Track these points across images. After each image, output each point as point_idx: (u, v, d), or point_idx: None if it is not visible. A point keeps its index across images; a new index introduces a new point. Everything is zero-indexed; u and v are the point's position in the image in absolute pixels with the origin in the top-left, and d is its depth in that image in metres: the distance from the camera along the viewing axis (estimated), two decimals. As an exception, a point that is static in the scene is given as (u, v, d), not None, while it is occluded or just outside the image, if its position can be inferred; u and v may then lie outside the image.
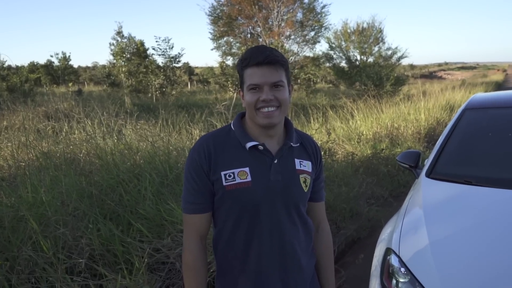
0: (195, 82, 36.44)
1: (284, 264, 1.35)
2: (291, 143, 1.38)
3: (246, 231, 1.32)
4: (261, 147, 1.33)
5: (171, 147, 4.96)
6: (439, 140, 3.07)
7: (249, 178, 1.30)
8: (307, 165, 1.41)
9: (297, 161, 1.38)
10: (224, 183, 1.30)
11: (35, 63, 34.08)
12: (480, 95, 3.71)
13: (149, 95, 17.76)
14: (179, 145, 5.17)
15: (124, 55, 18.13)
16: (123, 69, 17.91)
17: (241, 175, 1.30)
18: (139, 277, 2.48)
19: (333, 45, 22.47)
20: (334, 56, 22.69)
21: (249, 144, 1.33)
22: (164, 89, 17.58)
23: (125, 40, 18.25)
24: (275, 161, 1.34)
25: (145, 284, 2.42)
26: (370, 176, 5.34)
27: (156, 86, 17.32)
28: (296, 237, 1.37)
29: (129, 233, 2.96)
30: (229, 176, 1.30)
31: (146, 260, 2.53)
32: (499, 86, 27.41)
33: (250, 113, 1.32)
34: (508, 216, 2.10)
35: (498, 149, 2.86)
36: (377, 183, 5.22)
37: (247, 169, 1.31)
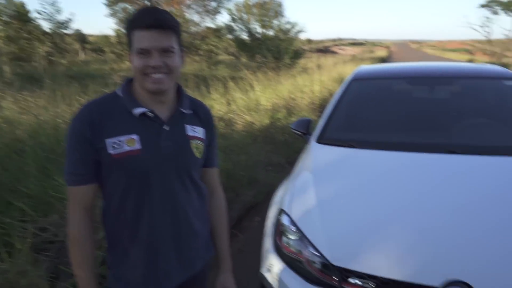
0: (89, 51, 33.76)
1: (178, 231, 1.33)
2: (183, 110, 1.34)
3: (136, 201, 1.27)
4: (150, 114, 1.27)
5: (59, 120, 4.57)
6: (327, 108, 3.27)
7: (138, 146, 1.24)
8: (199, 132, 1.38)
9: (188, 127, 1.35)
10: (111, 152, 1.22)
11: None
12: (365, 67, 4.02)
13: (35, 63, 16.04)
14: (69, 118, 4.78)
15: (2, 18, 16.02)
16: (1, 34, 15.85)
17: (129, 143, 1.23)
18: (23, 259, 2.28)
19: (235, 17, 22.43)
20: (236, 28, 22.72)
21: (137, 110, 1.25)
22: (52, 58, 16.00)
23: (3, 1, 16.11)
24: (166, 128, 1.29)
25: (29, 265, 2.23)
26: (268, 144, 5.54)
27: (43, 54, 15.68)
28: (190, 204, 1.36)
29: (10, 214, 2.69)
30: (116, 144, 1.22)
31: (29, 240, 2.33)
32: (383, 61, 30.04)
33: (138, 78, 1.25)
34: (386, 174, 2.34)
35: (380, 116, 3.15)
36: (275, 151, 5.43)
37: (135, 137, 1.24)
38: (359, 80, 3.51)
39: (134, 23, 1.21)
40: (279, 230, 2.12)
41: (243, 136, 5.42)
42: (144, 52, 1.20)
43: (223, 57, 29.91)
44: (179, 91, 1.38)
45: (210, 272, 1.58)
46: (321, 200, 2.14)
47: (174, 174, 1.30)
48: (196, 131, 1.37)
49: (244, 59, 23.95)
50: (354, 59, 21.48)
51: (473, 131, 2.84)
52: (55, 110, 4.95)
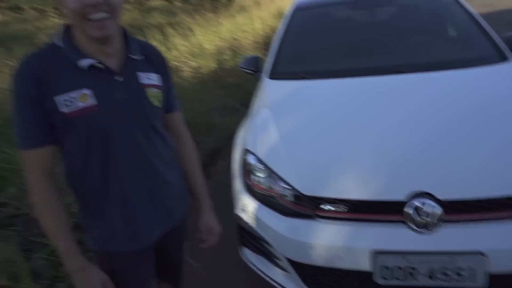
0: (5, 10, 30.54)
1: (150, 183, 1.30)
2: (133, 56, 1.25)
3: (100, 159, 1.20)
4: (100, 65, 1.16)
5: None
6: (274, 42, 3.24)
7: (93, 101, 1.15)
8: (154, 78, 1.30)
9: (142, 75, 1.27)
10: (65, 110, 1.12)
11: None
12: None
13: None
14: (1, 86, 4.41)
15: None
16: None
17: (82, 99, 1.14)
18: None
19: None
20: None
21: (84, 62, 1.14)
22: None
23: None
24: (119, 79, 1.20)
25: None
26: (220, 89, 5.46)
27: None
28: (157, 154, 1.31)
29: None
30: (68, 101, 1.12)
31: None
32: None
33: (78, 24, 1.11)
34: (341, 101, 2.41)
35: (326, 44, 3.17)
36: (227, 94, 5.38)
37: (88, 91, 1.15)
38: (300, 11, 3.49)
39: None
40: (247, 170, 2.16)
41: (193, 83, 5.29)
42: None
43: (155, 2, 28.21)
44: (126, 36, 1.27)
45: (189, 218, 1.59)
46: (283, 135, 2.18)
47: (135, 126, 1.23)
48: (151, 78, 1.29)
49: (178, 4, 22.74)
50: (291, -9, 21.00)
51: (416, 50, 2.95)
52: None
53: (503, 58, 2.61)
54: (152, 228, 1.34)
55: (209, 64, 6.31)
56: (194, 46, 7.43)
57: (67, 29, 1.19)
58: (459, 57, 2.77)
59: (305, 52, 3.13)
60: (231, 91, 5.55)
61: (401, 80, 2.53)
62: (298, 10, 3.45)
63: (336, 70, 2.77)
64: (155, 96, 1.29)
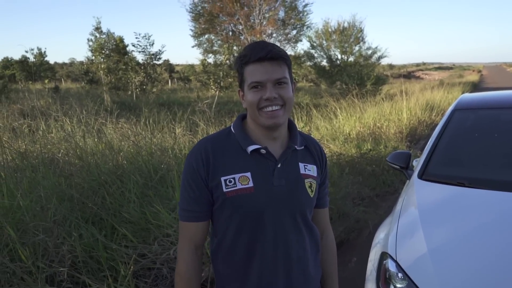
0: (175, 79, 36.03)
1: (290, 275, 1.27)
2: (295, 146, 1.30)
3: (248, 241, 1.24)
4: (263, 151, 1.24)
5: (154, 147, 4.83)
6: (429, 141, 3.05)
7: (251, 184, 1.22)
8: (312, 169, 1.33)
9: (301, 165, 1.31)
10: (225, 189, 1.21)
11: (9, 59, 32.99)
12: (469, 95, 3.72)
13: (129, 92, 17.41)
14: (162, 145, 5.04)
15: (103, 52, 17.72)
16: (102, 66, 17.49)
17: (242, 181, 1.22)
18: (125, 285, 2.36)
19: (315, 44, 22.61)
20: (315, 55, 22.86)
21: (250, 148, 1.24)
22: (144, 87, 17.26)
23: (104, 36, 17.83)
24: (279, 165, 1.25)
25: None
26: (356, 176, 5.32)
27: (136, 83, 17.00)
28: (303, 246, 1.30)
29: (113, 238, 2.84)
30: (230, 181, 1.22)
31: (132, 267, 2.41)
32: (475, 86, 28.05)
33: (253, 114, 1.23)
34: (506, 219, 2.08)
35: (488, 150, 2.86)
36: (363, 183, 5.20)
37: (248, 174, 1.23)
38: (462, 110, 3.24)
39: (245, 58, 1.21)
40: (384, 276, 1.96)
41: (330, 167, 5.27)
42: (258, 86, 1.20)
43: (302, 84, 30.12)
44: (291, 127, 1.34)
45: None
46: (433, 246, 1.95)
47: (287, 213, 1.26)
48: (309, 169, 1.32)
49: (323, 86, 23.86)
50: (442, 84, 20.29)
51: None
52: (149, 136, 5.24)
53: None
54: None
55: (349, 150, 6.27)
56: (336, 130, 7.54)
57: (242, 118, 1.33)
58: None
59: (463, 156, 2.86)
60: (367, 179, 5.36)
61: None
62: (458, 110, 3.23)
63: (499, 181, 2.44)
64: (310, 187, 1.30)
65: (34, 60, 31.96)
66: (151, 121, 6.11)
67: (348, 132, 7.40)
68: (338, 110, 9.02)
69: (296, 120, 7.77)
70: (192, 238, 1.27)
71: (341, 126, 7.96)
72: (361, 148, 6.40)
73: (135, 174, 3.70)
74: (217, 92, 16.46)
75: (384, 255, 2.07)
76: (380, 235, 2.39)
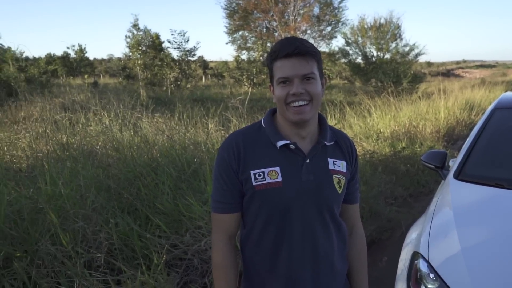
0: (209, 76, 36.46)
1: (317, 269, 1.29)
2: (325, 142, 1.31)
3: (275, 234, 1.26)
4: (292, 146, 1.26)
5: (187, 141, 4.93)
6: (467, 140, 2.96)
7: (279, 178, 1.24)
8: (341, 165, 1.33)
9: (330, 160, 1.31)
10: (254, 183, 1.24)
11: (52, 55, 34.40)
12: (511, 94, 3.58)
13: (164, 88, 17.78)
14: (195, 139, 5.13)
15: (140, 48, 18.16)
16: (139, 62, 17.94)
17: (271, 175, 1.24)
18: (158, 273, 2.44)
19: (350, 41, 22.26)
20: (350, 52, 22.50)
21: (280, 143, 1.26)
22: (179, 83, 17.59)
23: (141, 33, 18.27)
24: (307, 161, 1.27)
25: (165, 281, 2.38)
26: (389, 175, 5.23)
27: (171, 79, 17.33)
28: (330, 241, 1.31)
29: (147, 228, 2.93)
30: (259, 175, 1.24)
31: (164, 256, 2.49)
32: (519, 85, 26.83)
33: (281, 109, 1.26)
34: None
35: None
36: (396, 182, 5.11)
37: (277, 169, 1.25)
38: (503, 109, 3.12)
39: (274, 54, 1.23)
40: (415, 276, 1.94)
41: (363, 165, 5.20)
42: (285, 81, 1.21)
43: (336, 81, 29.75)
44: (321, 122, 1.35)
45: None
46: (466, 247, 1.90)
47: (315, 208, 1.27)
48: (338, 165, 1.32)
49: (358, 83, 23.47)
50: (483, 82, 19.52)
51: None
52: (183, 131, 5.36)
53: None
54: None
55: (383, 149, 6.17)
56: (370, 128, 7.43)
57: (272, 113, 1.35)
58: None
59: (503, 156, 2.76)
60: (400, 179, 5.26)
61: None
62: (499, 108, 3.11)
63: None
64: (338, 183, 1.31)
65: (75, 56, 33.23)
66: (185, 116, 6.24)
67: (381, 130, 7.27)
68: (372, 108, 8.87)
69: (328, 118, 7.71)
70: (225, 229, 1.30)
71: (375, 125, 7.83)
72: (395, 147, 6.28)
73: (169, 167, 3.80)
74: (250, 88, 16.54)
75: (415, 255, 2.04)
76: (412, 235, 2.36)
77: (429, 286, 1.84)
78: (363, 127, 7.55)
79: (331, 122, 7.31)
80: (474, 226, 2.07)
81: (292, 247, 1.26)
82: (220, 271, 1.29)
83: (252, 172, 1.24)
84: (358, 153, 5.08)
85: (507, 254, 1.83)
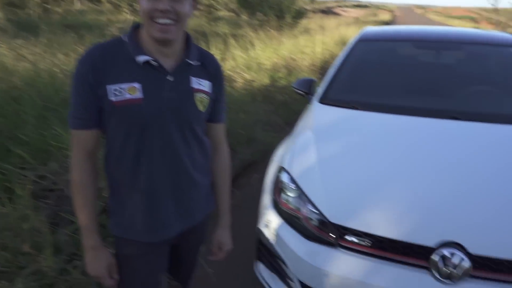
0: (84, 0, 32.65)
1: (177, 181, 1.33)
2: (190, 61, 1.30)
3: (135, 150, 1.26)
4: (154, 63, 1.23)
5: (56, 69, 4.49)
6: (331, 68, 3.23)
7: (139, 95, 1.22)
8: (205, 85, 1.35)
9: (194, 79, 1.32)
10: (112, 98, 1.20)
11: None
12: (372, 28, 3.94)
13: (29, 11, 15.51)
14: (65, 68, 4.69)
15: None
16: (-7, -22, 15.20)
17: (130, 91, 1.21)
18: (22, 205, 2.30)
19: (237, -29, 21.62)
20: (237, -17, 21.93)
21: (141, 58, 1.22)
22: (46, 6, 15.47)
23: None
24: (170, 78, 1.26)
25: (32, 212, 2.26)
26: (268, 104, 5.51)
27: (37, 1, 15.15)
28: (190, 156, 1.35)
29: (8, 160, 2.69)
30: (117, 91, 1.20)
31: (29, 186, 2.34)
32: (387, 24, 29.34)
33: (145, 23, 1.21)
34: (387, 136, 2.36)
35: (384, 78, 3.12)
36: (274, 111, 5.42)
37: (137, 85, 1.22)
38: (364, 41, 3.45)
39: None
40: (278, 187, 2.15)
41: (243, 95, 5.37)
42: None
43: (223, 13, 29.09)
44: (188, 41, 1.33)
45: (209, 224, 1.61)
46: (321, 159, 2.16)
47: (176, 126, 1.28)
48: (202, 84, 1.34)
49: (244, 17, 23.32)
50: (357, 21, 21.00)
51: (477, 98, 2.83)
52: (51, 59, 4.84)
53: None
54: (172, 224, 1.36)
55: (263, 79, 6.39)
56: (252, 60, 7.57)
57: (135, 28, 1.29)
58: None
59: (361, 83, 3.10)
60: (278, 108, 5.58)
61: (453, 126, 2.43)
62: (362, 41, 3.42)
63: (389, 105, 2.68)
64: (201, 101, 1.33)
65: None
66: (54, 43, 5.61)
67: (263, 62, 7.48)
68: (256, 40, 9.00)
69: (213, 49, 7.63)
70: (83, 146, 1.27)
71: (257, 57, 8.00)
72: (274, 78, 6.55)
73: (34, 96, 3.45)
74: (131, 16, 15.33)
75: (280, 169, 2.24)
76: (278, 152, 2.58)
77: (289, 194, 2.06)
78: (246, 59, 7.67)
79: (215, 53, 7.26)
80: (330, 142, 2.34)
81: (152, 162, 1.28)
82: (78, 188, 1.28)
83: (109, 87, 1.20)
84: (239, 83, 5.16)
85: (356, 163, 2.12)
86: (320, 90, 3.00)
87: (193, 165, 1.36)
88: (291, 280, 1.94)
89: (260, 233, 2.13)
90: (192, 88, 1.31)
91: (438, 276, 1.62)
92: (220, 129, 1.52)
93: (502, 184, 1.89)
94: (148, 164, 1.28)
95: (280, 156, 2.43)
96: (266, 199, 2.23)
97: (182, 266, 1.59)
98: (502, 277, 1.60)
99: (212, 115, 1.43)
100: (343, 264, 1.76)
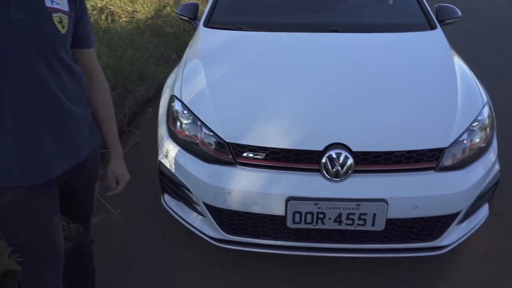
0: None
1: (51, 116, 1.21)
2: None
3: None
4: None
5: None
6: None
7: None
8: (61, 3, 1.19)
9: None
10: None
11: None
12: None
13: None
14: None
15: None
16: None
17: None
18: None
19: None
20: None
21: None
22: None
23: None
24: None
25: None
26: (157, 38, 5.23)
27: None
28: (62, 87, 1.22)
29: None
30: None
31: None
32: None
33: None
34: (272, 53, 2.42)
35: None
36: (165, 44, 5.17)
37: None
38: None
39: None
40: (172, 116, 2.12)
41: (129, 30, 5.00)
42: None
43: None
44: None
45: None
46: (210, 82, 2.15)
47: (36, 53, 1.13)
48: (57, 2, 1.18)
49: None
50: None
51: (354, 11, 2.99)
52: None
53: (432, 27, 2.73)
54: (53, 162, 1.25)
55: (148, 12, 5.97)
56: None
57: None
58: (393, 22, 2.84)
59: (244, 3, 3.07)
60: (169, 41, 5.33)
61: (333, 38, 2.57)
62: None
63: (271, 23, 2.75)
64: (60, 21, 1.18)
65: None
66: None
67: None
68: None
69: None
70: None
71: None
72: (161, 10, 6.18)
73: None
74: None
75: (172, 98, 2.20)
76: (169, 82, 2.51)
77: (184, 121, 2.05)
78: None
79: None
80: (218, 65, 2.32)
81: (17, 98, 1.14)
82: None
83: None
84: (124, 19, 4.73)
85: (244, 82, 2.16)
86: (204, 14, 2.92)
87: (66, 96, 1.24)
88: (197, 204, 1.99)
89: (161, 164, 2.12)
90: (48, 8, 1.15)
91: (328, 176, 1.78)
92: (91, 55, 1.39)
93: (377, 87, 2.08)
94: (12, 100, 1.13)
95: (171, 85, 2.37)
96: (162, 130, 2.19)
97: (77, 207, 1.52)
98: (380, 168, 1.81)
99: (79, 39, 1.30)
100: (243, 180, 1.85)
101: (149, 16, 5.76)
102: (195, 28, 2.97)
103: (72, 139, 1.30)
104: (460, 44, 4.82)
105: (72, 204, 1.49)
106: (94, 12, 5.57)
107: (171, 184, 2.10)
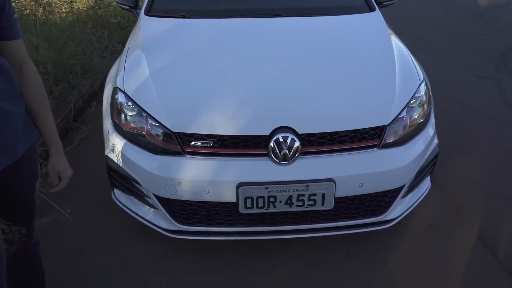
0: None
1: None
2: None
3: None
4: None
5: None
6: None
7: None
8: None
9: None
10: None
11: None
12: None
13: None
14: None
15: None
16: None
17: None
18: None
19: None
20: None
21: None
22: None
23: None
24: None
25: None
26: (101, 29, 5.04)
27: None
28: None
29: None
30: None
31: None
32: None
33: None
34: (216, 39, 2.39)
35: None
36: (109, 35, 5.00)
37: None
38: None
39: None
40: (117, 109, 2.06)
41: (69, 21, 4.78)
42: None
43: None
44: None
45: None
46: (154, 72, 2.11)
47: None
48: None
49: None
50: None
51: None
52: None
53: (371, 9, 2.80)
54: None
55: (86, 1, 5.71)
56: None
57: None
58: (334, 5, 2.88)
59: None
60: (113, 33, 5.16)
61: (276, 22, 2.58)
62: None
63: (215, 10, 2.72)
64: None
65: None
66: None
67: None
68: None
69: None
70: None
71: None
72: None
73: None
74: None
75: (115, 90, 2.13)
76: (111, 73, 2.43)
77: (128, 113, 1.99)
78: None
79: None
80: (161, 53, 2.27)
81: None
82: None
83: None
84: (63, 10, 4.52)
85: (189, 70, 2.12)
86: (145, 2, 2.84)
87: None
88: (148, 197, 1.96)
89: (108, 159, 2.06)
90: None
91: (276, 160, 1.80)
92: (18, 46, 1.31)
93: (319, 70, 2.11)
94: None
95: (113, 76, 2.30)
96: (107, 123, 2.13)
97: (18, 208, 1.45)
98: (326, 148, 1.85)
99: (4, 30, 1.22)
100: (192, 169, 1.83)
101: (89, 6, 5.53)
102: (136, 17, 2.88)
103: (5, 137, 1.23)
104: (407, 26, 5.03)
105: (12, 206, 1.42)
106: (31, 4, 5.28)
107: (120, 179, 2.05)
